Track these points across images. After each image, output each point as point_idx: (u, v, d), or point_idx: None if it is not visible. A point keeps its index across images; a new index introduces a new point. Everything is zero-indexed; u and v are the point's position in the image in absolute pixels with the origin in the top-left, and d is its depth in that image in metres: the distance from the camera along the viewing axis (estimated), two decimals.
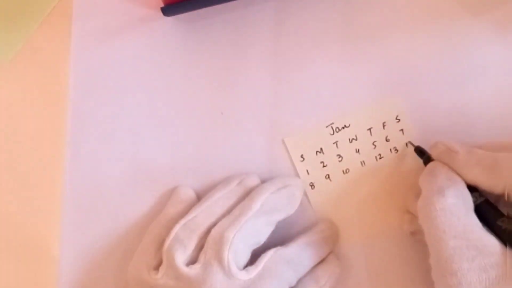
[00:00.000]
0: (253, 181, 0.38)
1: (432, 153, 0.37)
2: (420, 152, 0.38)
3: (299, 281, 0.37)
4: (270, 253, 0.36)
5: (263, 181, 0.39)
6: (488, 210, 0.33)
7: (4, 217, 0.39)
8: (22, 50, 0.39)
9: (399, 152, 0.39)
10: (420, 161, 0.38)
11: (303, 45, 0.39)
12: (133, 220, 0.40)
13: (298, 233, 0.39)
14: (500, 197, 0.33)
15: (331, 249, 0.39)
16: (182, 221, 0.36)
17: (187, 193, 0.39)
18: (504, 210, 0.33)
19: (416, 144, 0.39)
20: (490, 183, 0.33)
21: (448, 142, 0.36)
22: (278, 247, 0.36)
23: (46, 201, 0.39)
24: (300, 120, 0.40)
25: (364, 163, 0.40)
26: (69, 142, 0.40)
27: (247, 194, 0.37)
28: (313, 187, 0.40)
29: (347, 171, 0.40)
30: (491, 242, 0.31)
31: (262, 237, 0.36)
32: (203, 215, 0.36)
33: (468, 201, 0.33)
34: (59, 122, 0.39)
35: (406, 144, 0.39)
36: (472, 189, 0.34)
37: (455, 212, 0.32)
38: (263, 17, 0.39)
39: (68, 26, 0.39)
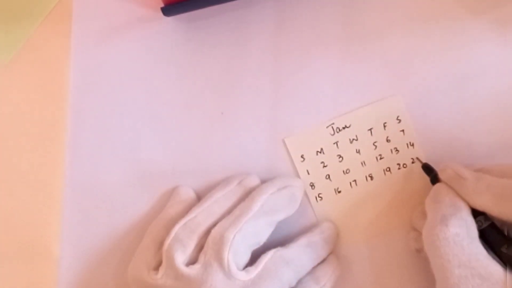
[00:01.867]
0: (253, 181, 0.38)
1: (441, 176, 0.36)
2: (428, 169, 0.38)
3: (299, 281, 0.37)
4: (270, 254, 0.36)
5: (263, 181, 0.39)
6: (493, 235, 0.33)
7: (4, 217, 0.39)
8: (22, 50, 0.39)
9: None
10: (426, 178, 0.38)
11: (304, 44, 0.39)
12: (133, 220, 0.40)
13: (298, 233, 0.39)
14: (507, 224, 0.33)
15: (331, 250, 0.39)
16: (182, 221, 0.36)
17: (187, 193, 0.39)
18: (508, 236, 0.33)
19: (423, 160, 0.39)
20: (499, 211, 0.33)
21: (457, 167, 0.36)
22: (278, 248, 0.36)
23: (46, 201, 0.39)
24: (301, 120, 0.40)
25: (365, 164, 0.40)
26: (69, 142, 0.40)
27: (247, 194, 0.37)
28: (313, 187, 0.40)
29: (347, 171, 0.40)
30: (496, 269, 0.31)
31: (262, 238, 0.36)
32: (203, 215, 0.36)
33: (472, 229, 0.33)
34: (59, 122, 0.39)
35: (413, 160, 0.39)
36: (478, 212, 0.34)
37: (458, 241, 0.32)
38: (263, 17, 0.39)
39: (68, 26, 0.39)
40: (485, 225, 0.33)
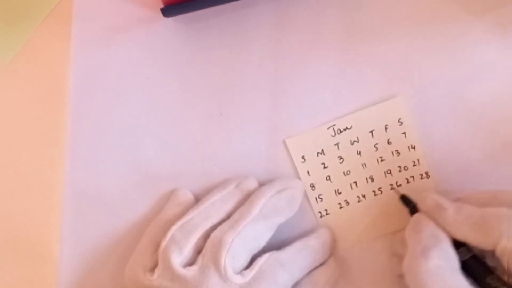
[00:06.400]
0: (250, 183, 0.38)
1: (421, 206, 0.36)
2: (406, 201, 0.38)
3: (297, 284, 0.37)
4: (265, 257, 0.36)
5: (263, 182, 0.39)
6: (476, 267, 0.33)
7: (4, 217, 0.40)
8: (22, 50, 0.39)
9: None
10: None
11: (304, 45, 0.39)
12: (132, 221, 0.40)
13: (297, 234, 0.39)
14: (488, 252, 0.33)
15: (328, 254, 0.39)
16: (179, 223, 0.36)
17: (186, 195, 0.39)
18: (491, 265, 0.33)
19: (402, 192, 0.39)
20: (480, 241, 0.33)
21: (438, 197, 0.36)
22: (274, 251, 0.36)
23: (46, 202, 0.40)
24: (301, 121, 0.39)
25: (365, 166, 0.39)
26: (69, 143, 0.40)
27: (245, 197, 0.37)
28: (313, 188, 0.40)
29: (348, 172, 0.40)
30: None
31: (262, 242, 0.36)
32: (199, 217, 0.36)
33: (453, 260, 0.33)
34: (58, 122, 0.39)
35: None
36: (459, 244, 0.34)
37: (440, 274, 0.32)
38: (263, 18, 0.39)
39: (68, 26, 0.39)
40: (467, 256, 0.33)
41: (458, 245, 0.34)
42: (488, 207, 0.33)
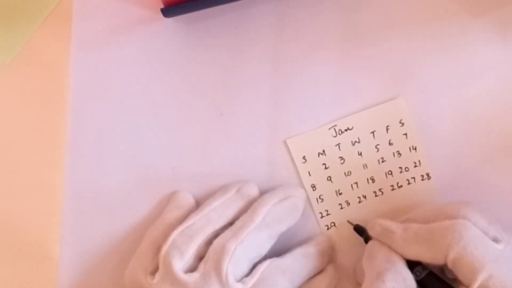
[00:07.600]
0: (251, 188, 0.38)
1: (371, 234, 0.37)
2: (360, 230, 0.38)
3: None
4: (266, 264, 0.36)
5: (264, 183, 0.39)
6: (433, 283, 0.34)
7: (4, 218, 0.39)
8: (22, 51, 0.39)
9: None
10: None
11: (305, 45, 0.39)
12: (132, 223, 0.40)
13: (299, 236, 0.39)
14: (444, 267, 0.34)
15: (327, 262, 0.39)
16: (180, 228, 0.36)
17: (186, 198, 0.39)
18: (449, 279, 0.34)
19: (355, 222, 0.39)
20: (430, 257, 0.33)
21: (384, 221, 0.36)
22: (274, 258, 0.36)
23: (46, 203, 0.39)
24: (302, 121, 0.39)
25: (367, 166, 0.39)
26: (69, 144, 0.39)
27: (245, 202, 0.37)
28: (314, 188, 0.40)
29: (349, 173, 0.40)
30: None
31: (263, 250, 0.37)
32: (200, 222, 0.36)
33: (409, 281, 0.33)
34: (58, 123, 0.39)
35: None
36: (414, 263, 0.34)
37: None
38: (263, 18, 0.39)
39: (68, 27, 0.39)
40: (423, 274, 0.34)
41: (413, 264, 0.34)
42: (434, 222, 0.34)
